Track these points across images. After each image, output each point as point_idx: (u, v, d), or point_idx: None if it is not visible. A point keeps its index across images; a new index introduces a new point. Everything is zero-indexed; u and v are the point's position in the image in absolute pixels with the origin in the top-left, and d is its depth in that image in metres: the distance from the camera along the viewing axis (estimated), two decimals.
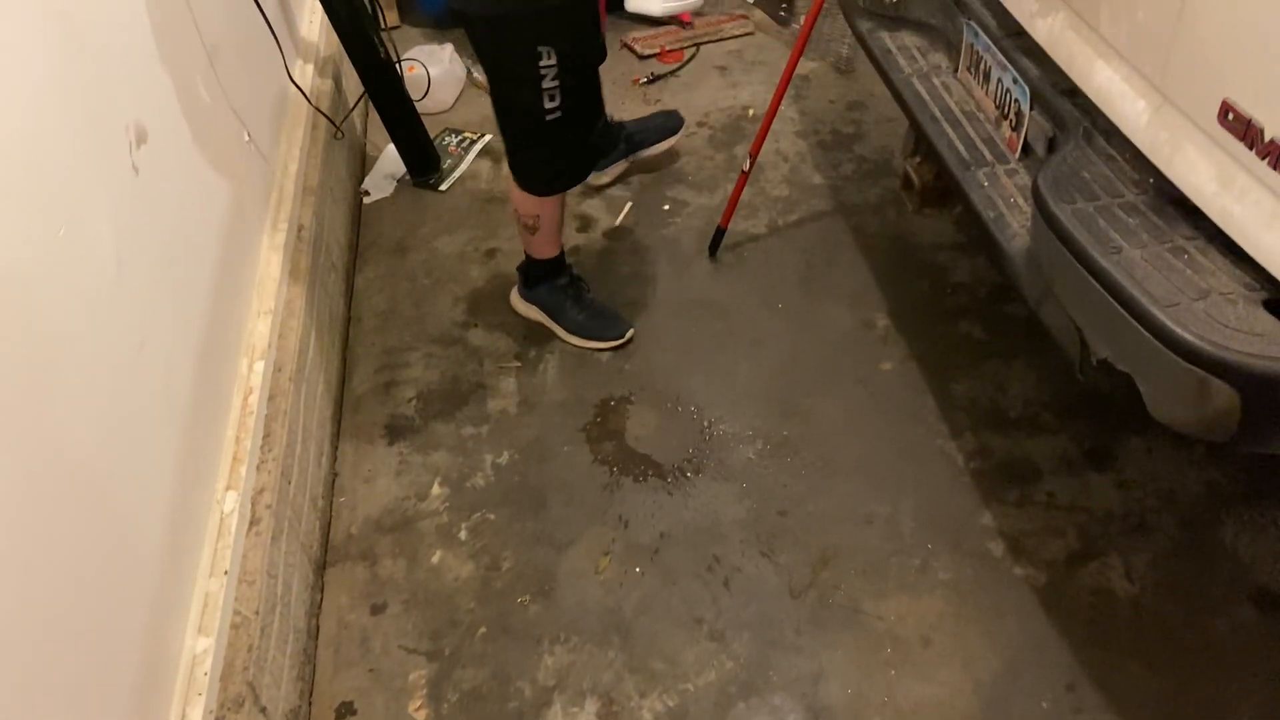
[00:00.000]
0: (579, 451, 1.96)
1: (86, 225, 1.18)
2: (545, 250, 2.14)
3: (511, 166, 1.99)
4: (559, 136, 1.88)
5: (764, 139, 2.22)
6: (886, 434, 1.96)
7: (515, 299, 2.26)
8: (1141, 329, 1.24)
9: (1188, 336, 1.19)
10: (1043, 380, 2.03)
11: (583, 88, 1.90)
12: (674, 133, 2.62)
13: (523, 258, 2.18)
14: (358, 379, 2.13)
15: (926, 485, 1.86)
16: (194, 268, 1.52)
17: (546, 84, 1.79)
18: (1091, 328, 1.37)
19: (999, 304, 2.20)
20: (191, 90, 1.62)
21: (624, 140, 2.55)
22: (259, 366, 1.67)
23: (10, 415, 0.98)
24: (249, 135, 1.86)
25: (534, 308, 2.23)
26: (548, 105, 1.82)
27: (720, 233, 2.34)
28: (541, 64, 1.77)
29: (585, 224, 2.49)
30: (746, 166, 2.25)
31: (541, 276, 2.18)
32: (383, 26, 2.59)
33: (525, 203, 2.03)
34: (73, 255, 1.14)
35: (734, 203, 2.30)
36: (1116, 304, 1.27)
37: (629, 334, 2.18)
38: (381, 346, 2.20)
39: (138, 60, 1.41)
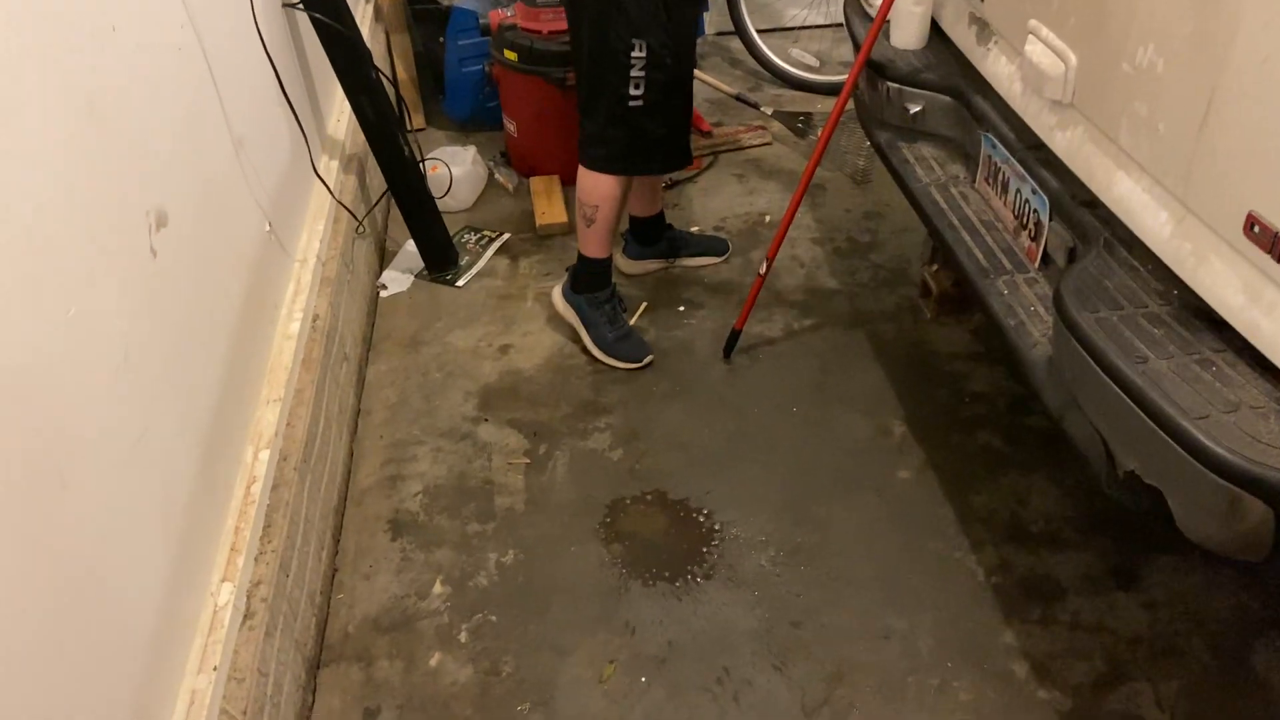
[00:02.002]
0: (586, 553, 1.91)
1: (98, 306, 1.17)
2: (596, 249, 2.29)
3: (583, 146, 2.19)
4: (637, 124, 2.10)
5: (780, 243, 2.23)
6: (904, 545, 1.90)
7: (556, 296, 2.41)
8: (1171, 442, 1.20)
9: (1220, 451, 1.15)
10: (1064, 494, 1.98)
11: (669, 85, 2.10)
12: (718, 255, 2.68)
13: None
14: (364, 471, 2.10)
15: (946, 601, 1.79)
16: (204, 354, 1.51)
17: (634, 73, 2.03)
18: (1118, 440, 1.33)
19: (1018, 415, 2.16)
20: (216, 178, 1.63)
21: (668, 241, 2.62)
22: (264, 455, 1.64)
23: (4, 493, 0.95)
24: (270, 225, 1.87)
25: (571, 311, 2.38)
26: (632, 92, 2.05)
27: (735, 335, 2.33)
28: (633, 54, 2.01)
29: None
30: (763, 270, 2.25)
31: (587, 283, 2.34)
32: (408, 128, 2.65)
33: (588, 189, 2.21)
34: (81, 337, 1.13)
35: (749, 305, 2.30)
36: (1144, 416, 1.23)
37: (648, 359, 2.33)
38: (390, 439, 2.17)
39: (164, 145, 1.43)
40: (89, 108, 1.20)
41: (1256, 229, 1.22)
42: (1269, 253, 1.20)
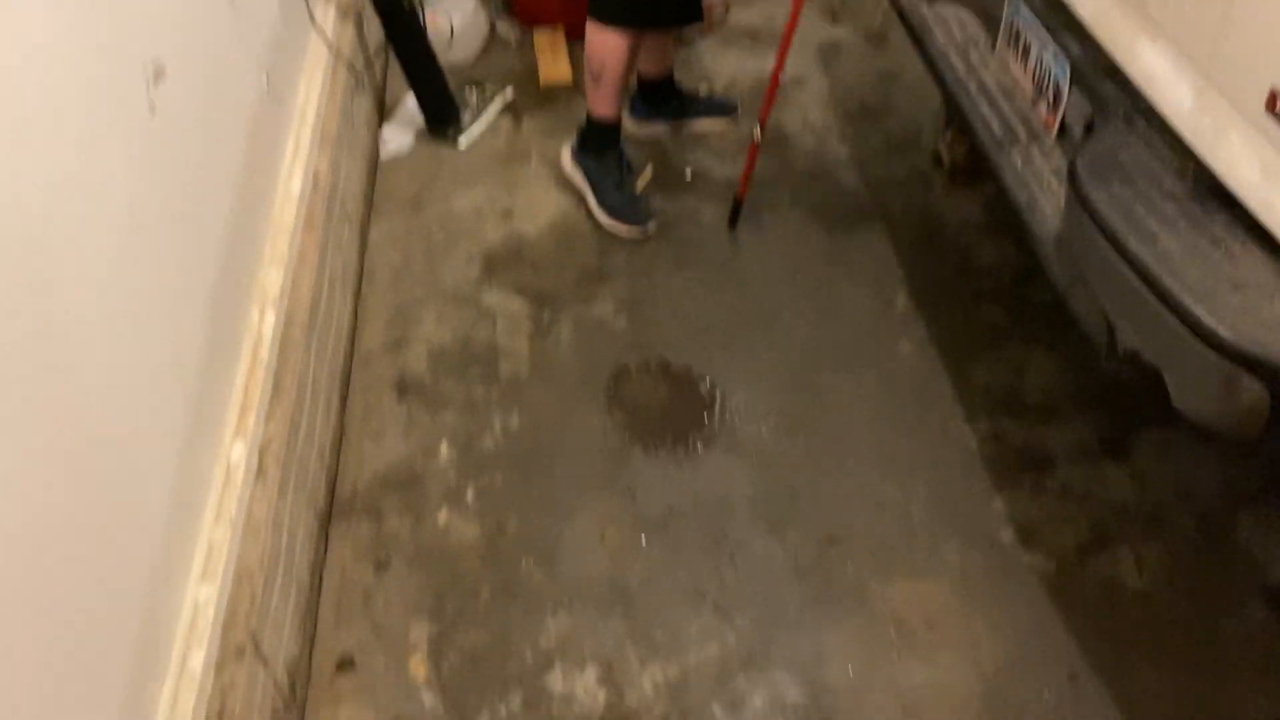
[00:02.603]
0: (589, 419, 1.94)
1: (99, 163, 1.16)
2: (603, 107, 2.26)
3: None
4: None
5: (770, 107, 2.17)
6: (901, 416, 1.93)
7: (564, 157, 2.40)
8: (1173, 319, 1.20)
9: (1221, 330, 1.16)
10: (1062, 368, 2.00)
11: None
12: (727, 114, 2.61)
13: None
14: (368, 334, 2.11)
15: (939, 469, 1.84)
16: (208, 212, 1.50)
17: None
18: (1121, 316, 1.33)
19: (1023, 288, 2.16)
20: (212, 30, 1.58)
21: (676, 102, 2.55)
22: (270, 317, 1.65)
23: (18, 358, 0.96)
24: (268, 79, 1.82)
25: (579, 172, 2.36)
26: None
27: (738, 204, 2.30)
28: None
29: None
30: (757, 136, 2.20)
31: (595, 143, 2.32)
32: None
33: (596, 45, 2.16)
34: (83, 197, 1.12)
35: (748, 172, 2.26)
36: (1149, 292, 1.23)
37: (651, 224, 2.30)
38: (394, 302, 2.18)
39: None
40: None
41: (1279, 105, 1.19)
42: None
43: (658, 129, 2.58)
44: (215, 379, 1.46)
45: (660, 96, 2.52)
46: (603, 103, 2.26)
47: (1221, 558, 1.69)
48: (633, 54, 2.19)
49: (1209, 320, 1.16)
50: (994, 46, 1.85)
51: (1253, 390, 1.18)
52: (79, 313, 1.08)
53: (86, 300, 1.10)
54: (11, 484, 0.93)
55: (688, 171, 2.51)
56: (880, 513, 1.77)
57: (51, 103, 1.07)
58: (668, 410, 1.96)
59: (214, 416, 1.45)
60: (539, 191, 2.45)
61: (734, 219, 2.32)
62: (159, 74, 1.32)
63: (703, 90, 2.68)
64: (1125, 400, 1.92)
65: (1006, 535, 1.73)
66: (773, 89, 2.15)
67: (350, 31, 2.40)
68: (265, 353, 1.59)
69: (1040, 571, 1.68)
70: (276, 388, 1.60)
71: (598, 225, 2.33)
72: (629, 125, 2.53)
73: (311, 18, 2.12)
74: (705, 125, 2.60)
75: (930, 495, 1.80)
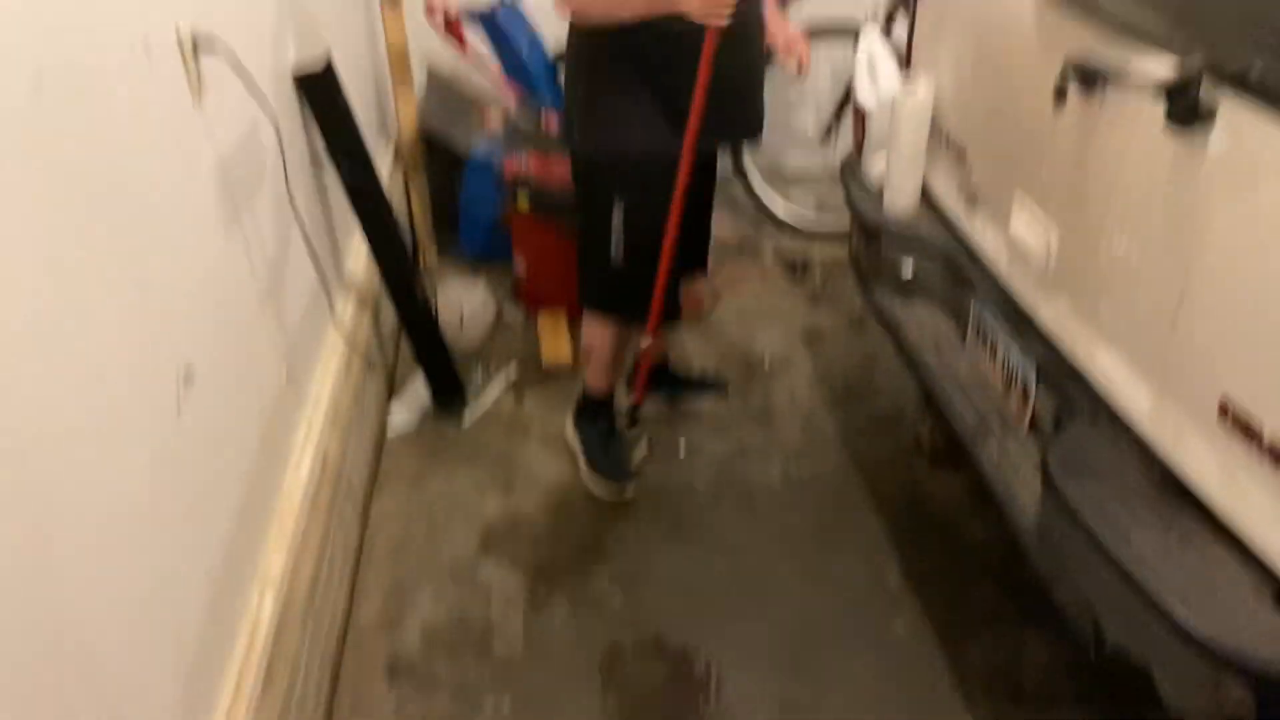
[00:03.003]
0: (584, 703, 1.91)
1: (125, 461, 1.23)
2: (595, 381, 2.44)
3: (579, 286, 2.31)
4: (619, 277, 2.19)
5: (658, 315, 2.25)
6: (899, 701, 1.90)
7: (567, 425, 2.56)
8: (1154, 618, 1.24)
9: (1201, 631, 1.19)
10: (1060, 649, 1.99)
11: (647, 247, 2.14)
12: (718, 392, 2.75)
13: None
14: (364, 611, 2.11)
15: None
16: (220, 500, 1.56)
17: (614, 233, 2.12)
18: (1105, 613, 1.37)
19: (1014, 567, 2.19)
20: (241, 331, 1.71)
21: (670, 382, 2.70)
22: (269, 600, 1.67)
23: (22, 638, 0.99)
24: (287, 371, 1.94)
25: (576, 437, 2.51)
26: (613, 253, 2.15)
27: (635, 409, 2.46)
28: (613, 215, 2.10)
29: None
30: (644, 344, 2.31)
31: (590, 412, 2.48)
32: (422, 264, 2.75)
33: (587, 327, 2.35)
34: (107, 489, 1.18)
35: (642, 381, 2.41)
36: (1129, 591, 1.27)
37: (629, 487, 2.41)
38: (391, 578, 2.20)
39: (196, 303, 1.51)
40: (137, 281, 1.29)
41: (1230, 413, 1.28)
42: (1242, 437, 1.26)
43: (655, 406, 2.69)
44: (210, 665, 1.47)
45: (654, 378, 2.65)
46: (595, 378, 2.44)
47: None
48: (619, 340, 2.36)
49: (1188, 621, 1.20)
50: (964, 342, 1.99)
51: (1237, 690, 1.19)
52: (86, 592, 1.11)
53: (94, 583, 1.13)
54: None
55: (681, 445, 2.60)
56: None
57: (84, 403, 1.15)
58: (663, 695, 1.93)
59: (205, 705, 1.44)
60: (538, 466, 2.53)
61: (632, 421, 2.48)
62: (189, 378, 1.42)
63: (696, 370, 2.83)
64: (1123, 686, 1.90)
65: None
66: (660, 291, 2.21)
67: (367, 321, 2.56)
68: (261, 639, 1.60)
69: None
70: (269, 675, 1.59)
71: (594, 498, 2.40)
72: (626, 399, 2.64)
73: (332, 310, 2.28)
74: (698, 404, 2.72)
75: None
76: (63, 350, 1.10)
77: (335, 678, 1.95)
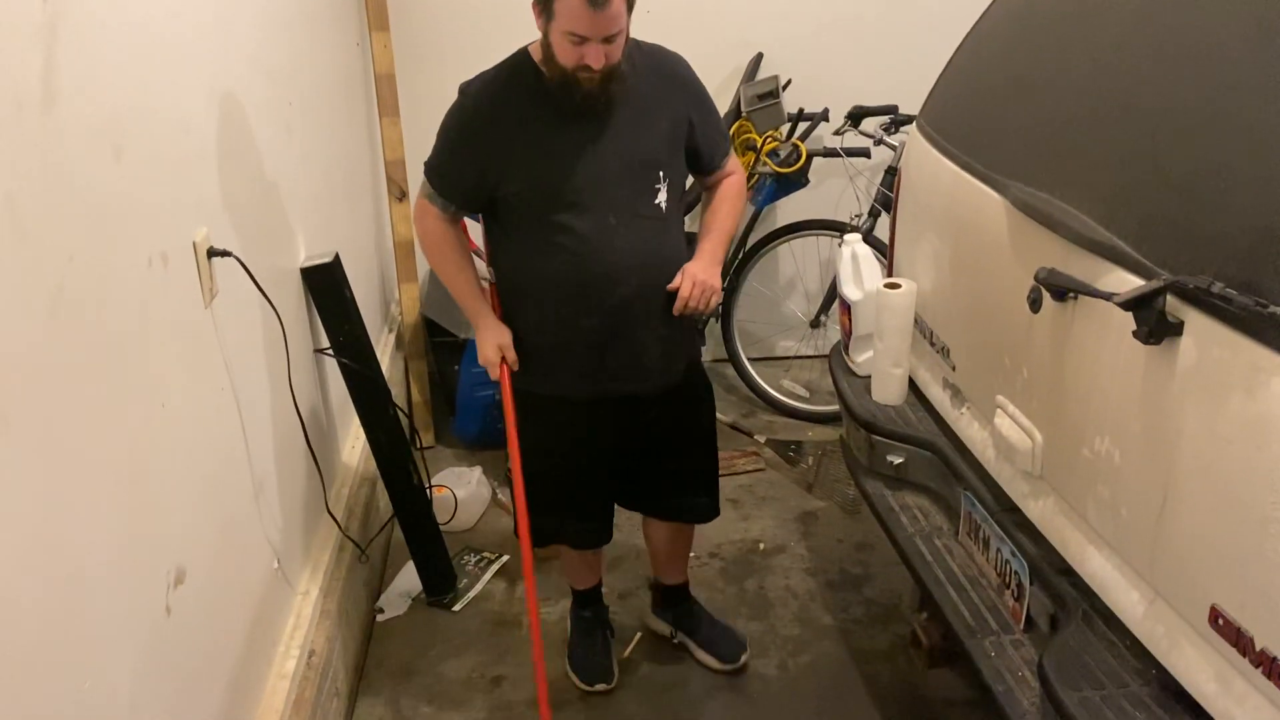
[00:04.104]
0: None
1: (110, 674, 1.21)
2: (569, 578, 2.44)
3: None
4: (534, 502, 2.12)
5: (535, 610, 2.13)
6: None
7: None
8: None
9: None
10: None
11: (536, 483, 2.10)
12: (725, 662, 2.42)
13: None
14: None
15: None
16: (201, 704, 1.52)
17: (525, 462, 2.08)
18: None
19: None
20: (234, 526, 1.72)
21: (683, 614, 2.49)
22: None
23: None
24: (278, 563, 1.94)
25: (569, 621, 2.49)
26: (524, 480, 2.09)
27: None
28: (523, 442, 2.08)
29: None
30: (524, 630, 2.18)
31: (574, 600, 2.46)
32: (419, 447, 2.78)
33: None
34: (91, 695, 1.16)
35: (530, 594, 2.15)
36: None
37: (599, 687, 2.34)
38: None
39: (191, 500, 1.52)
40: (132, 486, 1.31)
41: (1221, 621, 1.28)
42: (1234, 646, 1.26)
43: (663, 629, 2.53)
44: None
45: (668, 600, 2.52)
46: (567, 574, 2.45)
47: None
48: (573, 554, 2.34)
49: None
50: (957, 535, 2.00)
51: None
52: None
53: None
54: None
55: (677, 642, 2.55)
56: None
57: (82, 619, 1.15)
58: None
59: None
60: (528, 658, 2.46)
61: None
62: (180, 578, 1.42)
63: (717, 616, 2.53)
64: None
65: None
66: (530, 587, 2.14)
67: (360, 506, 2.57)
68: None
69: None
70: None
71: (585, 695, 2.34)
72: (647, 615, 2.58)
73: (325, 499, 2.29)
74: (704, 658, 2.44)
75: None
76: (52, 554, 1.11)
77: None
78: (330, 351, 2.34)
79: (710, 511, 2.33)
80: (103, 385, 1.24)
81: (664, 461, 2.23)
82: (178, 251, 1.50)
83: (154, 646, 1.35)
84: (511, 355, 2.06)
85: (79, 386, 1.18)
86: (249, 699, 1.75)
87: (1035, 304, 1.62)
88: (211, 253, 1.59)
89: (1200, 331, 1.30)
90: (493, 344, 2.06)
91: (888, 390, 2.23)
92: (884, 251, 2.52)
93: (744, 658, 2.41)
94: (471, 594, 2.71)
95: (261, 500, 1.85)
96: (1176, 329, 1.32)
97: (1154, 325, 1.31)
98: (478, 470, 3.13)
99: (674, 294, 2.01)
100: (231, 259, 1.66)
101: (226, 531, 1.68)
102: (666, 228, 2.02)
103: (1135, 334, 1.33)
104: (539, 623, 2.11)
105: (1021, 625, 1.74)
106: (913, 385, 2.26)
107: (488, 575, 2.79)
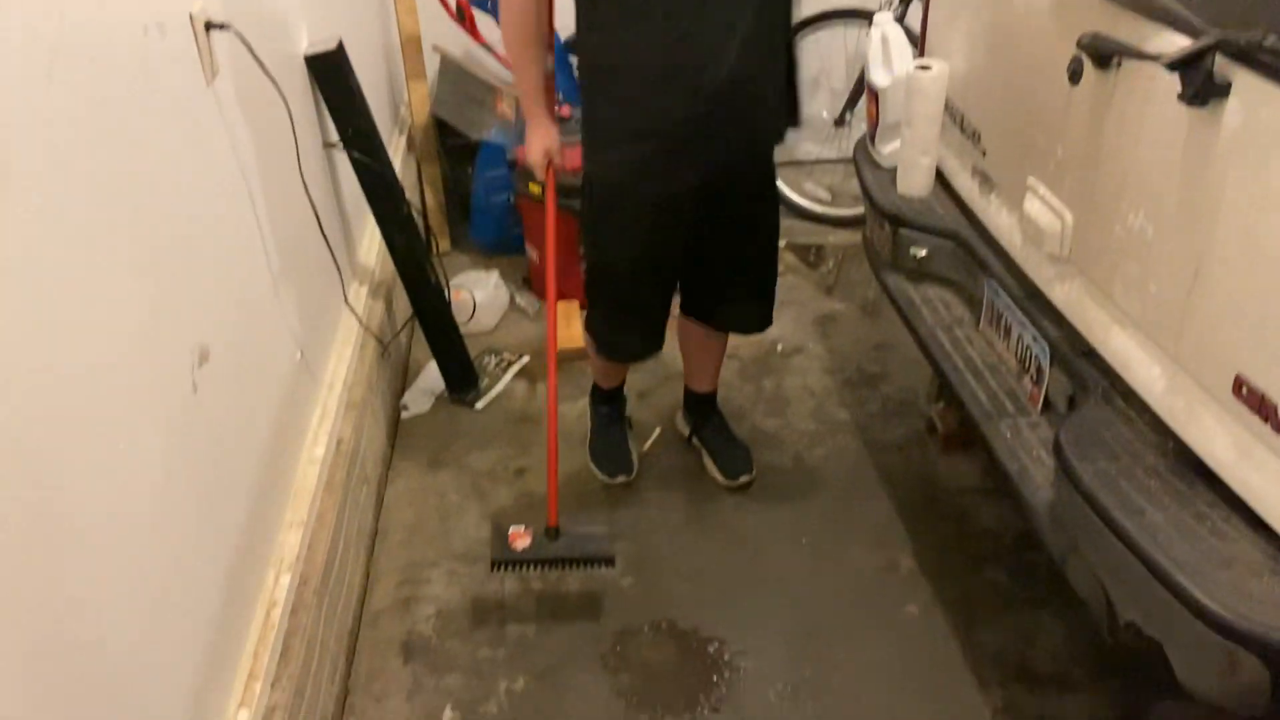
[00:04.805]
0: (596, 682, 1.92)
1: (142, 442, 1.24)
2: (596, 377, 2.45)
3: None
4: (589, 303, 2.18)
5: (555, 502, 2.06)
6: (911, 683, 1.90)
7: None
8: (1167, 595, 1.23)
9: (1216, 608, 1.18)
10: (1072, 632, 1.99)
11: (609, 286, 2.11)
12: (729, 477, 2.40)
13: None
14: (379, 594, 2.13)
15: None
16: (234, 481, 1.57)
17: (583, 245, 2.09)
18: (1118, 591, 1.36)
19: (1025, 551, 2.19)
20: (255, 311, 1.72)
21: (703, 429, 2.48)
22: (285, 579, 1.68)
23: (38, 612, 1.00)
24: (301, 353, 1.95)
25: (588, 414, 2.52)
26: (584, 268, 2.11)
27: (553, 531, 2.04)
28: (584, 240, 2.09)
29: None
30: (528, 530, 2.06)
31: (594, 396, 2.49)
32: (435, 252, 2.76)
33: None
34: (125, 473, 1.19)
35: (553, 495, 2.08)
36: (1142, 568, 1.27)
37: (619, 479, 2.39)
38: (405, 561, 2.21)
39: (212, 285, 1.52)
40: (153, 264, 1.30)
41: (1245, 390, 1.28)
42: (1257, 413, 1.26)
43: (685, 430, 2.55)
44: (226, 644, 1.48)
45: (694, 406, 2.52)
46: (594, 373, 2.46)
47: None
48: (609, 363, 2.33)
49: (1202, 598, 1.20)
50: (978, 325, 1.99)
51: (1252, 666, 1.19)
52: (104, 573, 1.13)
53: (113, 561, 1.15)
54: None
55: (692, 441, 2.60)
56: None
57: (112, 386, 1.16)
58: (675, 674, 1.94)
59: (222, 684, 1.45)
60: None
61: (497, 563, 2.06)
62: (204, 357, 1.43)
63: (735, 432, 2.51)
64: (1139, 670, 1.90)
65: None
66: (553, 479, 2.08)
67: (380, 307, 2.57)
68: (277, 616, 1.62)
69: None
70: (285, 652, 1.60)
71: (606, 484, 2.41)
72: (669, 415, 2.61)
73: (345, 295, 2.29)
74: (710, 468, 2.44)
75: None
76: (76, 329, 1.11)
77: (351, 656, 1.97)
78: (340, 144, 2.28)
79: (764, 321, 2.27)
80: (107, 155, 1.21)
81: (728, 266, 2.15)
82: (174, 21, 1.44)
83: (183, 421, 1.37)
84: (559, 159, 2.03)
85: (84, 154, 1.15)
86: (281, 479, 1.80)
87: (1075, 75, 1.54)
88: (209, 25, 1.52)
89: (1248, 91, 1.23)
90: (540, 146, 2.01)
91: (914, 181, 2.17)
92: (915, 41, 2.39)
93: (744, 479, 2.38)
94: (493, 393, 2.75)
95: (281, 290, 1.85)
96: (1224, 90, 1.26)
97: (1201, 86, 1.25)
98: (495, 274, 3.12)
99: (766, 81, 1.87)
100: (231, 33, 1.59)
101: (247, 318, 1.68)
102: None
103: (1180, 96, 1.27)
104: (556, 415, 2.14)
105: (1039, 408, 1.75)
106: (939, 178, 2.21)
107: (509, 375, 2.82)
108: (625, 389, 2.52)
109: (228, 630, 1.48)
